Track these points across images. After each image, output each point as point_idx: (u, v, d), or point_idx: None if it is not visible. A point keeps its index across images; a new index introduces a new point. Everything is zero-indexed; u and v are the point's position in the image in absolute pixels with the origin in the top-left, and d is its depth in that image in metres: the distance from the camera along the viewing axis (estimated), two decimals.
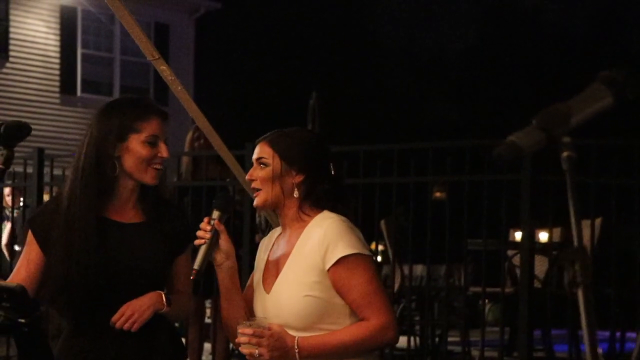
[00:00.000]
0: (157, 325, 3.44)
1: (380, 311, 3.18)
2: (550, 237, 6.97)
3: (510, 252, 7.86)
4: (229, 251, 3.26)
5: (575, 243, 1.69)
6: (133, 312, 3.37)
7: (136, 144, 3.42)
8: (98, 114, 3.45)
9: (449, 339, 8.31)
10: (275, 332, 3.12)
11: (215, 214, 3.24)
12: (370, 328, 3.17)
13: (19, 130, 3.03)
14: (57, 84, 20.14)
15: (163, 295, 3.43)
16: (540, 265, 8.05)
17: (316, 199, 3.28)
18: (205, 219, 3.24)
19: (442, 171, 6.95)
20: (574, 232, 1.71)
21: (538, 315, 7.06)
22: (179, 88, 4.09)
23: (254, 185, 3.32)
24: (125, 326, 3.36)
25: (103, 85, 20.74)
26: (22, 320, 2.56)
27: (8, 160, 2.95)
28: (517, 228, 8.62)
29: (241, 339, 3.13)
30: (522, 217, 6.60)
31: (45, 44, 19.96)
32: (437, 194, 10.05)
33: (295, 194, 3.27)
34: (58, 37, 20.10)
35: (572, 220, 1.72)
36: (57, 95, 20.12)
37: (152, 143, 3.43)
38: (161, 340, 3.48)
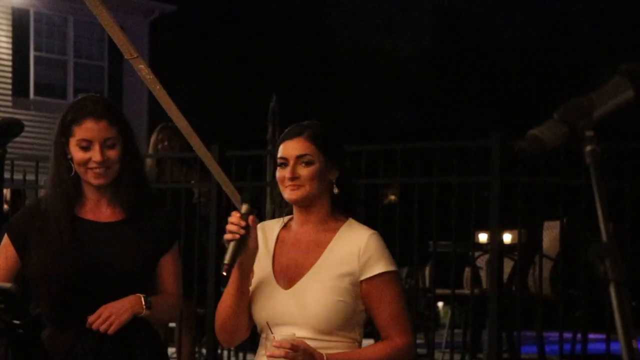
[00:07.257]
0: (137, 329, 3.38)
1: (407, 331, 3.21)
2: (519, 238, 6.96)
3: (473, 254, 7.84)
4: (255, 250, 3.14)
5: (605, 239, 1.65)
6: (110, 314, 3.30)
7: (73, 147, 3.39)
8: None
9: None
10: (306, 348, 3.07)
11: (245, 207, 3.05)
12: (397, 348, 3.18)
13: (11, 128, 2.96)
14: (10, 86, 19.90)
15: (142, 299, 3.36)
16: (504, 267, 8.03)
17: (348, 198, 3.26)
18: (236, 214, 3.06)
19: (410, 173, 6.93)
20: (602, 228, 1.67)
21: (504, 316, 7.05)
22: (157, 87, 4.02)
23: (295, 182, 3.19)
24: (102, 328, 3.30)
25: (56, 88, 20.54)
26: (17, 322, 2.49)
27: (1, 159, 2.87)
28: (481, 230, 8.62)
29: (276, 352, 3.04)
30: (491, 219, 6.59)
31: None
32: (392, 197, 10.04)
33: (335, 190, 3.24)
34: (10, 40, 19.86)
35: (600, 216, 1.69)
36: (10, 98, 19.88)
37: (84, 147, 3.37)
38: (141, 344, 3.40)
